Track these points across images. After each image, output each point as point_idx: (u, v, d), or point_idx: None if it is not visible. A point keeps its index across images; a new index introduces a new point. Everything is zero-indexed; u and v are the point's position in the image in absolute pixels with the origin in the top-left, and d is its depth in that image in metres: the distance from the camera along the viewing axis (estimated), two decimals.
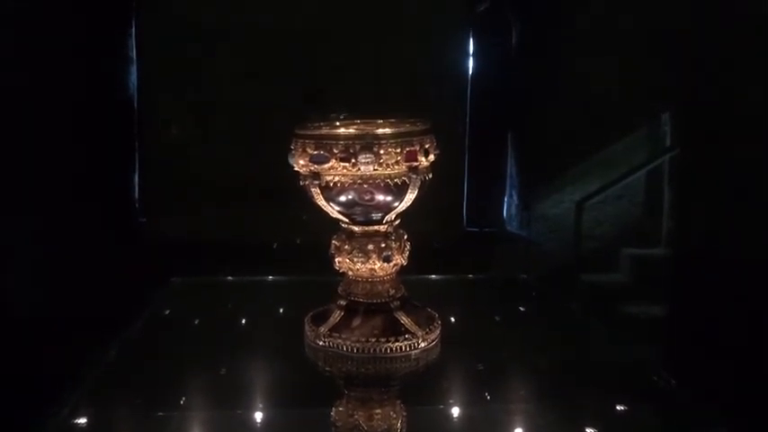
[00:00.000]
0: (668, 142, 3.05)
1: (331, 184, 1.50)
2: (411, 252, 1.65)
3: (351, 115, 1.66)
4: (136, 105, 2.77)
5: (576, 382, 1.52)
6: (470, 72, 2.93)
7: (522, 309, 2.02)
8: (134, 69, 2.77)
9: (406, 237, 1.63)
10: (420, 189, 1.52)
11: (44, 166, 2.20)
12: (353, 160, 1.46)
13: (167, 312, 1.99)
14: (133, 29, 2.76)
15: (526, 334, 1.81)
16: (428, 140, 1.53)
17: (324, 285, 1.73)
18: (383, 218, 1.56)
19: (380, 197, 1.51)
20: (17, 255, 2.05)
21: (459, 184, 3.02)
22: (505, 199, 3.09)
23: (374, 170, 1.46)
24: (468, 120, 2.97)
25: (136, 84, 2.77)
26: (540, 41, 2.93)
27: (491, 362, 1.61)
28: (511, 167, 3.07)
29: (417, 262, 1.68)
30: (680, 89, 2.79)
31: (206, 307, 1.98)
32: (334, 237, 1.61)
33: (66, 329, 1.98)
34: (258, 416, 1.41)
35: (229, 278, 2.23)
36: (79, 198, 2.45)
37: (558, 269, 2.91)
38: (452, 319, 1.84)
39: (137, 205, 2.80)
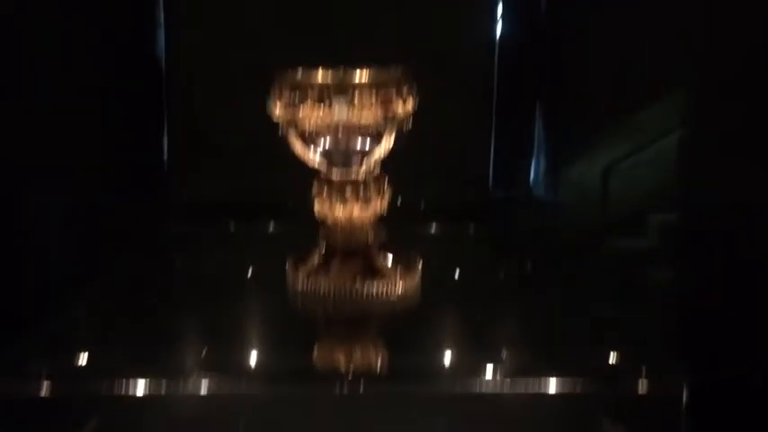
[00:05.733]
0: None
1: (307, 133, 1.54)
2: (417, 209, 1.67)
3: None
4: (164, 70, 2.85)
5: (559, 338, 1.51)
6: (498, 35, 2.91)
7: (528, 268, 2.02)
8: (162, 34, 2.84)
9: (387, 184, 1.65)
10: (398, 137, 1.54)
11: (75, 132, 2.29)
12: (328, 104, 1.49)
13: (167, 258, 2.06)
14: None
15: (523, 291, 1.81)
16: (405, 88, 1.54)
17: None
18: (362, 166, 1.58)
19: (357, 144, 1.54)
20: (50, 213, 2.15)
21: (485, 150, 3.01)
22: (533, 164, 3.07)
23: (349, 116, 1.49)
24: (495, 84, 2.96)
25: (164, 48, 2.84)
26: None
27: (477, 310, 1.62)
28: (539, 132, 3.04)
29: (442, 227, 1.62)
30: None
31: (209, 254, 2.05)
32: (315, 181, 1.65)
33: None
34: (237, 355, 1.46)
35: (233, 229, 2.28)
36: (109, 159, 2.55)
37: (586, 234, 2.89)
38: (453, 274, 1.85)
39: (165, 167, 2.88)
